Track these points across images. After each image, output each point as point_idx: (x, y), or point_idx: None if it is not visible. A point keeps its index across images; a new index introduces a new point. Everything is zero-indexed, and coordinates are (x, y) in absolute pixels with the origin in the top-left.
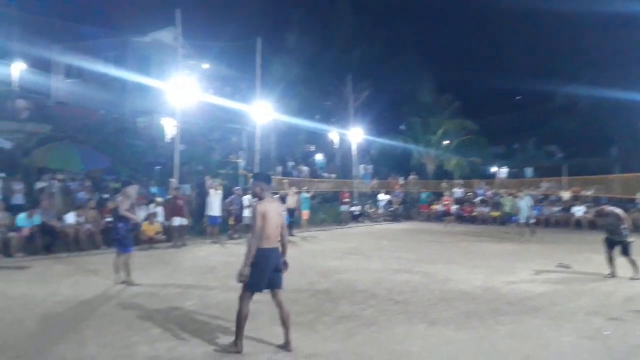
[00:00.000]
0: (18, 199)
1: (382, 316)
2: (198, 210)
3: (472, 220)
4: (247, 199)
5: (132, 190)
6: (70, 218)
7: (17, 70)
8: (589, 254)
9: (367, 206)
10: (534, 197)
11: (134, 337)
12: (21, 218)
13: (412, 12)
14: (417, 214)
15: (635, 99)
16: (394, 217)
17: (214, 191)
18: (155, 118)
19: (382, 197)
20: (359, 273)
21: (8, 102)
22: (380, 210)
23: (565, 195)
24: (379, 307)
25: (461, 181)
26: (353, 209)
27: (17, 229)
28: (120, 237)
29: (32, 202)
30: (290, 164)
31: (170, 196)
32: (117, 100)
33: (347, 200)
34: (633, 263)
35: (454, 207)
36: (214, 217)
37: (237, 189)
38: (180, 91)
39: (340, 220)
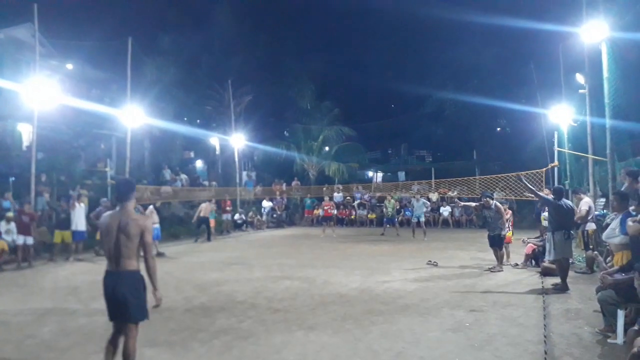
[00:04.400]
0: None
1: (261, 326)
2: (61, 225)
3: (351, 223)
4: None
5: None
6: None
7: None
8: (454, 251)
9: (251, 214)
10: (406, 199)
11: None
12: None
13: (293, 19)
14: (301, 220)
15: (491, 107)
16: (278, 223)
17: (78, 204)
18: (9, 124)
19: (266, 204)
20: (239, 283)
21: None
22: (264, 218)
23: (434, 196)
24: (258, 318)
25: (340, 186)
26: (236, 217)
27: None
28: None
29: None
30: (167, 172)
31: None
32: None
33: (229, 208)
34: (499, 256)
35: (334, 211)
36: (79, 232)
37: (105, 200)
38: (38, 94)
39: (222, 229)
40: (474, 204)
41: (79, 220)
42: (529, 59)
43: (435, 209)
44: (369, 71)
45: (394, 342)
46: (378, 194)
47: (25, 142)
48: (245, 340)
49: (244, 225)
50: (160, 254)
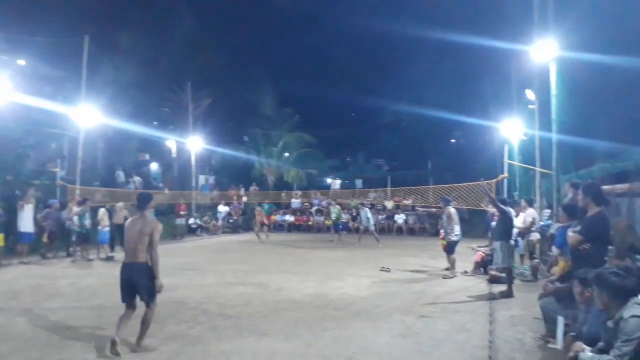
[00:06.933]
0: None
1: (212, 333)
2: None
3: (309, 229)
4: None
5: None
6: None
7: None
8: (406, 258)
9: (206, 218)
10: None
11: None
12: None
13: (255, 24)
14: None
15: (446, 119)
16: (234, 228)
17: (26, 205)
18: None
19: (222, 208)
20: (191, 289)
21: None
22: (220, 222)
23: (389, 204)
24: (209, 324)
25: (299, 192)
26: (190, 222)
27: None
28: None
29: None
30: (120, 173)
31: None
32: None
33: (183, 212)
34: (450, 261)
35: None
36: (26, 234)
37: (54, 202)
38: None
39: (176, 234)
40: (434, 209)
41: (26, 221)
42: (483, 74)
43: (390, 216)
44: (329, 80)
45: (345, 347)
46: (335, 201)
47: None
48: (195, 346)
49: (198, 230)
50: (109, 258)
